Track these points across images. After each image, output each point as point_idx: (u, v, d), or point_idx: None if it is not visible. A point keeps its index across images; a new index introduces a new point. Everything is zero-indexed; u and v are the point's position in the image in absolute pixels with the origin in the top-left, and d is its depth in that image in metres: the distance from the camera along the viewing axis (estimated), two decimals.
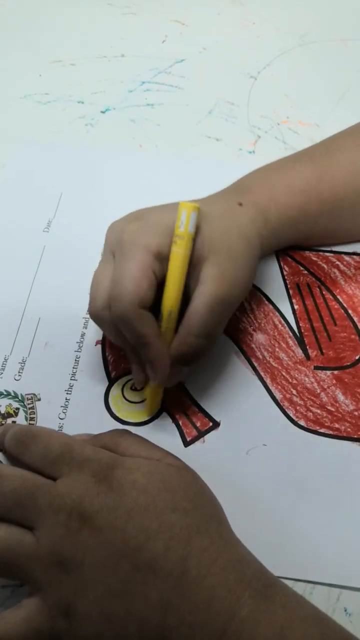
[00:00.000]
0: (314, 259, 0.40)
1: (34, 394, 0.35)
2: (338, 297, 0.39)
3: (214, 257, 0.31)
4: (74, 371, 0.36)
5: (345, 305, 0.38)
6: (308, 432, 0.34)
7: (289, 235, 0.37)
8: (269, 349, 0.37)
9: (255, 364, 0.36)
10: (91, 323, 0.38)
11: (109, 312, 0.31)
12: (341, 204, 0.37)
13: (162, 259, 0.31)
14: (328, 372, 0.36)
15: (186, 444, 0.34)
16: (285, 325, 0.38)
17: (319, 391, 0.35)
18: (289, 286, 0.39)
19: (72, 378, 0.36)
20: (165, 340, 0.31)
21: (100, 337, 0.37)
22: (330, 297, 0.39)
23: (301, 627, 0.24)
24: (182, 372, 0.32)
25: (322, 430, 0.34)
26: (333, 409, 0.35)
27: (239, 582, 0.24)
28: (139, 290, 0.29)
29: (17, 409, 0.35)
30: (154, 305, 0.31)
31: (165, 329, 0.31)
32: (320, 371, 0.36)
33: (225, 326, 0.33)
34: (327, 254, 0.40)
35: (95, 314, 0.32)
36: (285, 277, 0.40)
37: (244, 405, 0.35)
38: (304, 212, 0.36)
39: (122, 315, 0.30)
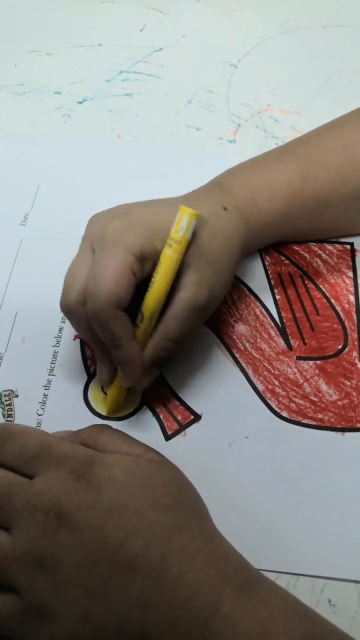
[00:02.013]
0: (296, 248, 0.40)
1: (12, 390, 0.34)
2: (320, 286, 0.38)
3: (196, 264, 0.31)
4: (52, 366, 0.35)
5: (327, 294, 0.38)
6: (291, 423, 0.34)
7: (270, 236, 0.38)
8: (251, 340, 0.36)
9: (237, 355, 0.36)
10: None
11: (81, 307, 0.30)
12: (324, 207, 0.36)
13: (144, 260, 0.30)
14: (311, 362, 0.35)
15: (167, 437, 0.33)
16: (267, 315, 0.37)
17: (301, 381, 0.35)
18: (270, 276, 0.39)
19: (51, 373, 0.35)
20: (141, 342, 0.31)
21: None
22: (313, 286, 0.38)
23: (284, 623, 0.23)
24: (153, 375, 0.32)
25: (305, 421, 0.34)
26: (316, 399, 0.34)
27: (220, 578, 0.24)
28: (118, 290, 0.29)
29: None
30: (130, 306, 0.30)
31: (144, 330, 0.31)
32: (302, 361, 0.35)
33: (198, 331, 0.33)
34: (309, 243, 0.40)
35: (66, 307, 0.31)
36: (267, 267, 0.39)
37: (225, 397, 0.34)
38: (286, 216, 0.36)
39: (97, 313, 0.29)
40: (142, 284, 0.31)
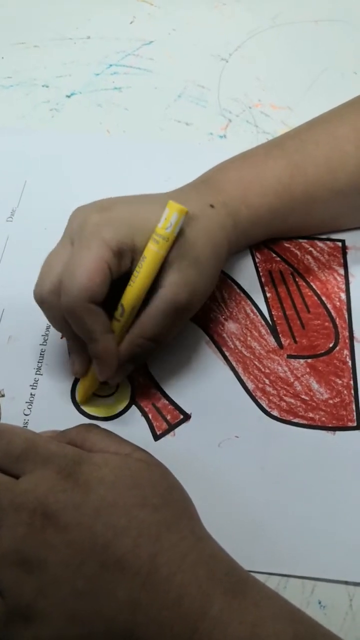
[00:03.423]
0: (287, 245, 0.39)
1: None
2: (311, 284, 0.38)
3: (179, 263, 0.30)
4: (39, 365, 0.35)
5: (318, 292, 0.38)
6: (281, 422, 0.33)
7: (259, 234, 0.37)
8: (241, 338, 0.36)
9: (227, 354, 0.35)
10: None
11: (55, 298, 0.30)
12: (313, 202, 0.36)
13: (122, 255, 0.30)
14: (302, 361, 0.35)
15: (156, 437, 0.33)
16: (258, 313, 0.37)
17: (292, 380, 0.34)
18: (261, 274, 0.38)
19: (38, 372, 0.35)
20: (119, 335, 0.31)
21: None
22: (304, 284, 0.38)
23: (273, 625, 0.23)
24: (127, 370, 0.32)
25: (295, 420, 0.33)
26: (307, 398, 0.34)
27: (210, 579, 0.24)
28: (92, 285, 0.29)
29: None
30: (110, 299, 0.30)
31: (124, 324, 0.31)
32: (293, 360, 0.35)
33: (178, 330, 0.33)
34: (300, 240, 0.39)
35: (40, 297, 0.31)
36: (258, 265, 0.39)
37: (215, 396, 0.34)
38: (275, 212, 0.35)
39: (70, 307, 0.29)
40: (121, 279, 0.30)
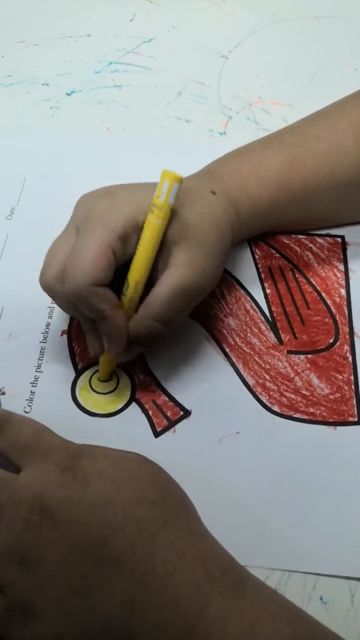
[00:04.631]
0: (286, 241, 0.39)
1: None
2: (311, 280, 0.38)
3: (185, 243, 0.30)
4: (40, 363, 0.35)
5: (318, 288, 0.37)
6: (282, 417, 0.33)
7: (259, 225, 0.37)
8: (241, 335, 0.36)
9: (227, 350, 0.35)
10: (56, 312, 0.36)
11: (60, 284, 0.30)
12: (313, 196, 0.36)
13: (127, 238, 0.30)
14: (302, 356, 0.35)
15: (156, 434, 0.33)
16: (257, 310, 0.37)
17: (292, 375, 0.34)
18: (260, 270, 0.38)
19: (38, 370, 0.35)
20: (128, 311, 0.31)
21: (66, 327, 0.36)
22: (303, 280, 0.38)
23: (272, 624, 0.23)
24: (136, 351, 0.32)
25: (296, 416, 0.33)
26: (308, 393, 0.34)
27: (207, 578, 0.24)
28: (95, 269, 0.29)
29: None
30: (119, 278, 0.30)
31: (130, 299, 0.31)
32: (293, 355, 0.35)
33: (188, 314, 0.32)
34: (300, 236, 0.39)
35: (45, 284, 0.31)
36: (257, 261, 0.39)
37: (215, 392, 0.34)
38: (275, 203, 0.35)
39: (75, 292, 0.29)
40: (125, 265, 0.30)
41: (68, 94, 0.49)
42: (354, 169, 0.35)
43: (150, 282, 0.31)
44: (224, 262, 0.33)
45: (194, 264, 0.30)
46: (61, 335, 0.36)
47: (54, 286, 0.31)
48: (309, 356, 0.35)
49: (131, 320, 0.31)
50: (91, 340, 0.32)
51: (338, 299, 0.37)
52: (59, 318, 0.36)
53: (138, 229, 0.30)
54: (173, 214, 0.30)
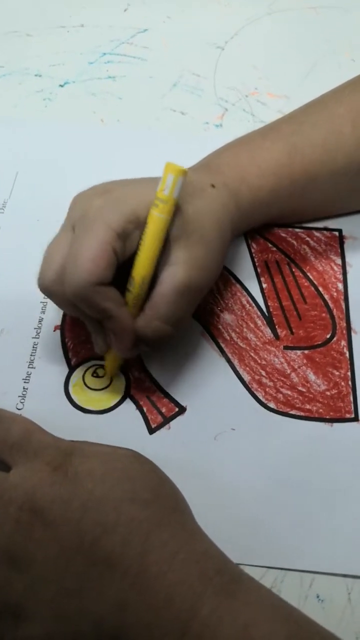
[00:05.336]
0: (283, 235, 0.39)
1: None
2: (308, 274, 0.37)
3: (186, 240, 0.30)
4: (32, 359, 0.34)
5: (315, 282, 0.37)
6: (278, 414, 0.33)
7: (259, 217, 0.36)
8: (237, 330, 0.35)
9: (223, 345, 0.35)
10: (49, 307, 0.36)
11: (60, 286, 0.30)
12: (313, 184, 0.35)
13: (126, 237, 0.29)
14: (298, 352, 0.35)
15: (151, 431, 0.32)
16: (254, 304, 0.36)
17: (289, 371, 0.34)
18: (257, 264, 0.38)
19: (30, 366, 0.34)
20: (133, 307, 0.30)
21: (59, 322, 0.35)
22: (300, 274, 0.37)
23: (266, 625, 0.22)
24: (142, 347, 0.31)
25: (292, 412, 0.33)
26: (304, 390, 0.33)
27: (201, 578, 0.23)
28: (96, 269, 0.28)
29: None
30: (122, 275, 0.29)
31: (137, 295, 0.30)
32: (290, 351, 0.35)
33: (192, 313, 0.32)
34: (297, 229, 0.39)
35: (45, 288, 0.31)
36: (253, 255, 0.38)
37: (211, 388, 0.33)
38: (275, 193, 0.35)
39: (76, 293, 0.29)
40: (126, 263, 0.30)
41: (61, 85, 0.48)
42: (353, 154, 0.35)
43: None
44: (224, 258, 0.33)
45: (195, 262, 0.30)
46: (54, 331, 0.35)
47: (54, 288, 0.30)
48: (306, 352, 0.35)
49: (138, 319, 0.30)
50: (96, 339, 0.32)
51: (335, 294, 0.37)
52: (52, 313, 0.36)
53: (139, 224, 0.29)
54: (175, 209, 0.29)
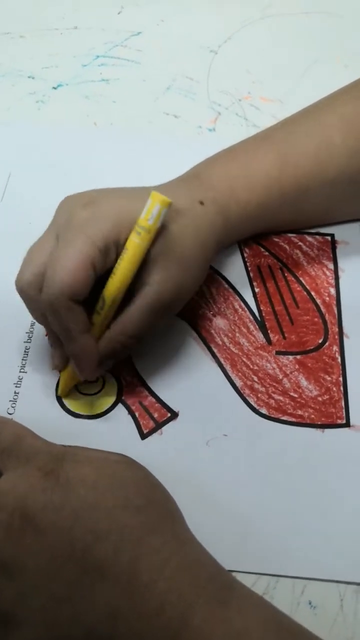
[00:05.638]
0: (276, 240, 0.39)
1: None
2: (300, 279, 0.37)
3: (163, 261, 0.30)
4: (24, 363, 0.34)
5: (308, 287, 0.37)
6: (270, 420, 0.33)
7: (249, 229, 0.37)
8: (229, 335, 0.35)
9: (215, 350, 0.35)
10: None
11: (34, 290, 0.30)
12: (304, 196, 0.35)
13: (107, 251, 0.29)
14: (290, 357, 0.35)
15: (143, 436, 0.32)
16: (246, 309, 0.36)
17: (281, 377, 0.34)
18: (249, 269, 0.38)
19: (22, 370, 0.34)
20: (99, 329, 0.30)
21: None
22: (293, 279, 0.37)
23: (259, 634, 0.22)
24: (107, 365, 0.31)
25: (284, 418, 0.33)
26: (296, 395, 0.33)
27: (192, 586, 0.23)
28: (74, 283, 0.28)
29: None
30: (91, 294, 0.29)
31: (104, 317, 0.30)
32: (282, 356, 0.35)
33: (160, 327, 0.32)
34: (289, 234, 0.39)
35: (19, 287, 0.31)
36: (246, 260, 0.38)
37: (203, 394, 0.33)
38: (265, 207, 0.35)
39: (51, 303, 0.29)
40: (106, 274, 0.29)
41: (54, 88, 0.48)
42: (345, 165, 0.35)
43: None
44: (203, 276, 0.33)
45: (171, 282, 0.30)
46: (46, 335, 0.35)
47: (28, 291, 0.30)
48: (298, 357, 0.35)
49: (103, 337, 0.30)
50: (53, 354, 0.32)
51: (327, 298, 0.37)
52: None
53: (118, 245, 0.29)
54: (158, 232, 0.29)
